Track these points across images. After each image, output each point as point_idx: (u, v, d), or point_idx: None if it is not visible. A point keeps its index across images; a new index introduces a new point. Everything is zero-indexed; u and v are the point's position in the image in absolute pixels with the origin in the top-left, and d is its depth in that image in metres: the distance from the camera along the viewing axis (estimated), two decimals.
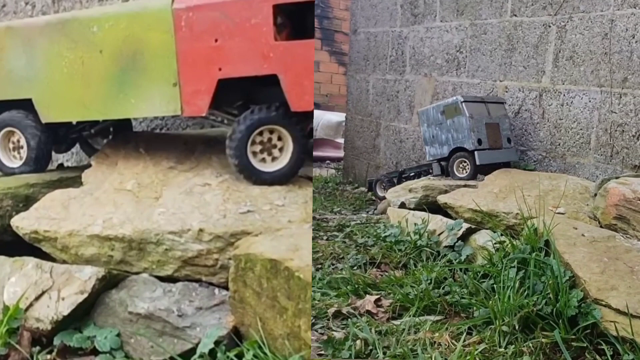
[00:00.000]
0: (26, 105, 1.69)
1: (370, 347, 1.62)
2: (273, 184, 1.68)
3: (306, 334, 1.31)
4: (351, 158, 4.98)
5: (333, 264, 2.41)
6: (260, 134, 1.64)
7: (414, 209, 2.84)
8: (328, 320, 1.83)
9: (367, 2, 4.57)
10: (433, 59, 3.96)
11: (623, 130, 2.84)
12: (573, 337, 1.66)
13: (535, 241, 2.03)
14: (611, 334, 1.63)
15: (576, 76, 3.02)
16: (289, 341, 1.32)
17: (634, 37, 2.76)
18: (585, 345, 1.65)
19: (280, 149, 1.63)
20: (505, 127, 3.23)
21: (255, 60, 1.45)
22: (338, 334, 1.68)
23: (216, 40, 1.50)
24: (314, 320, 1.80)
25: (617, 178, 2.52)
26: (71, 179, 1.95)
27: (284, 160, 1.65)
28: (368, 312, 1.89)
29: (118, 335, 1.54)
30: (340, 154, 5.36)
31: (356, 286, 2.09)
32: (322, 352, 1.58)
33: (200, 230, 1.60)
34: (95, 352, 1.54)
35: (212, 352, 1.39)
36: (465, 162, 3.16)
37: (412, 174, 3.61)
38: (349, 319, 1.82)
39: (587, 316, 1.68)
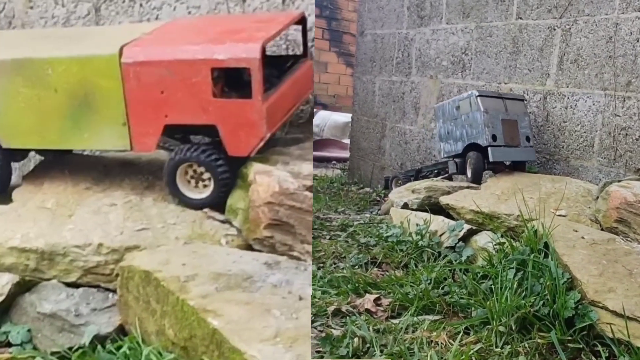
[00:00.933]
0: None
1: (368, 345, 1.64)
2: (202, 208, 1.94)
3: (168, 331, 1.56)
4: (357, 159, 5.00)
5: (335, 263, 2.43)
6: (191, 166, 1.88)
7: (416, 210, 2.86)
8: (327, 318, 1.85)
9: (374, 4, 4.59)
10: (439, 60, 3.97)
11: (627, 134, 2.85)
12: (569, 338, 1.67)
13: (535, 243, 2.05)
14: (607, 336, 1.64)
15: (580, 79, 3.03)
16: (157, 336, 1.62)
17: (638, 41, 2.76)
18: (581, 346, 1.66)
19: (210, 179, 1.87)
20: (524, 124, 3.12)
21: (196, 112, 1.69)
22: (336, 332, 1.71)
23: (162, 92, 1.71)
24: (313, 318, 1.83)
25: (619, 181, 2.53)
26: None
27: (208, 191, 1.89)
28: (367, 310, 1.92)
29: (29, 331, 1.85)
30: (347, 154, 5.39)
31: (356, 285, 2.11)
32: (320, 349, 1.61)
33: (100, 244, 1.91)
34: (10, 344, 1.85)
35: (103, 345, 1.74)
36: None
37: (429, 172, 3.53)
38: (348, 317, 1.84)
39: (584, 318, 1.69)
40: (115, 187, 2.14)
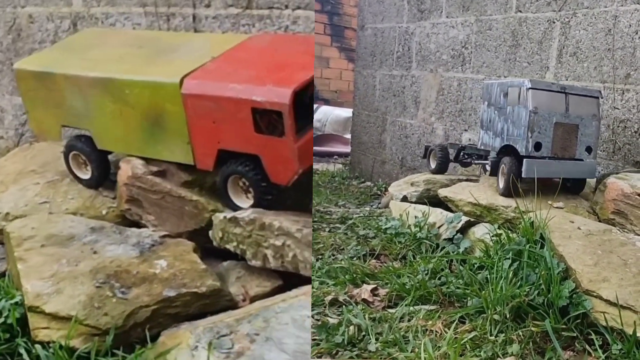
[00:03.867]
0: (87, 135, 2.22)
1: (364, 333, 1.66)
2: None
3: (13, 273, 1.89)
4: (358, 153, 5.02)
5: (333, 255, 2.45)
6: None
7: (415, 203, 2.88)
8: (324, 307, 1.87)
9: None
10: (439, 54, 3.98)
11: (625, 127, 2.85)
12: (563, 326, 1.69)
13: (531, 234, 2.06)
14: (601, 324, 1.66)
15: (579, 72, 3.03)
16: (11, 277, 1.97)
17: (637, 33, 2.77)
18: (575, 334, 1.68)
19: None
20: (588, 131, 2.45)
21: (242, 142, 1.88)
22: (333, 321, 1.73)
23: (214, 122, 1.89)
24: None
25: (617, 174, 2.54)
26: None
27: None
28: (364, 300, 1.94)
29: None
30: (348, 149, 5.40)
31: (354, 275, 2.13)
32: (316, 337, 1.63)
33: (7, 213, 2.21)
34: None
35: None
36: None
37: (469, 156, 3.03)
38: (345, 307, 1.86)
39: (578, 306, 1.71)
40: (53, 172, 2.44)
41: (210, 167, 1.99)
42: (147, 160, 2.12)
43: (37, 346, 1.49)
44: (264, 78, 1.85)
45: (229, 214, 1.88)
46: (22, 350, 1.49)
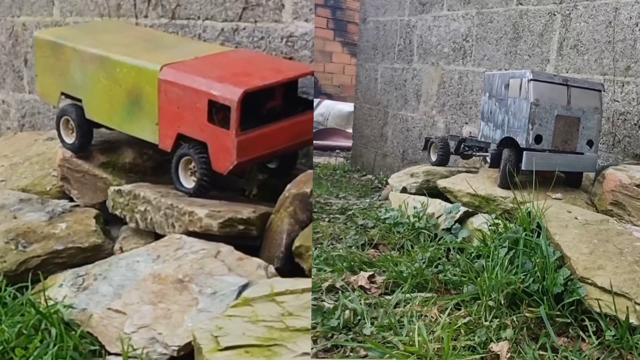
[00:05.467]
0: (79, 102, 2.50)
1: (359, 318, 1.68)
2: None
3: None
4: (359, 146, 5.03)
5: (332, 244, 2.47)
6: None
7: (415, 194, 2.89)
8: (321, 293, 1.89)
9: None
10: (440, 47, 3.99)
11: (625, 119, 2.86)
12: (558, 313, 1.70)
13: (528, 223, 2.07)
14: (595, 311, 1.67)
15: (580, 64, 3.04)
16: None
17: (637, 26, 2.77)
18: (569, 321, 1.69)
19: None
20: (590, 124, 2.44)
21: (196, 129, 2.14)
22: (328, 304, 1.74)
23: (178, 107, 2.16)
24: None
25: (615, 165, 2.54)
26: None
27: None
28: (361, 287, 1.95)
29: None
30: (350, 143, 5.42)
31: (352, 263, 2.14)
32: (312, 321, 1.64)
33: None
34: None
35: None
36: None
37: (470, 148, 3.03)
38: (341, 292, 1.88)
39: (573, 293, 1.72)
40: (20, 157, 2.79)
41: (168, 149, 2.24)
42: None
43: None
44: (226, 78, 2.16)
45: (117, 187, 2.29)
46: None
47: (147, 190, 2.21)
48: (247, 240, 2.02)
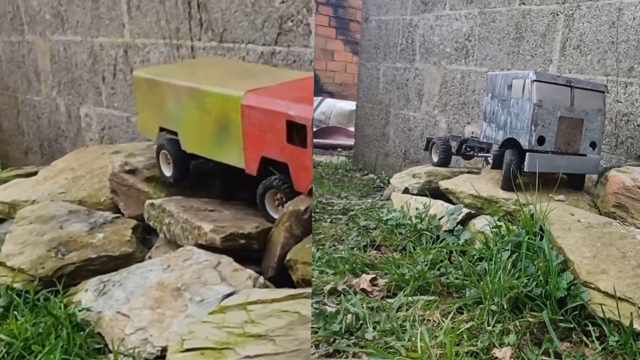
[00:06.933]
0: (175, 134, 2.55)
1: (361, 322, 1.67)
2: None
3: None
4: (361, 145, 5.02)
5: (334, 245, 2.46)
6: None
7: (417, 195, 2.88)
8: (323, 296, 1.88)
9: None
10: (442, 47, 3.97)
11: (628, 120, 2.84)
12: (561, 318, 1.69)
13: (531, 225, 2.06)
14: (598, 316, 1.67)
15: (583, 65, 3.02)
16: None
17: None
18: (572, 326, 1.69)
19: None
20: (593, 126, 2.43)
21: (277, 151, 2.15)
22: (331, 309, 1.74)
23: (260, 131, 2.17)
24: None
25: (619, 167, 2.53)
26: None
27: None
28: (363, 290, 1.95)
29: None
30: (352, 142, 5.40)
31: (354, 265, 2.14)
32: (314, 325, 1.64)
33: (34, 200, 2.73)
34: None
35: None
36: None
37: (472, 149, 3.04)
38: (343, 296, 1.87)
39: (576, 298, 1.72)
40: (83, 170, 2.92)
41: (254, 172, 2.25)
42: (128, 160, 2.65)
43: None
44: (302, 99, 2.19)
45: (151, 201, 2.37)
46: None
47: (173, 204, 2.32)
48: (251, 252, 2.12)
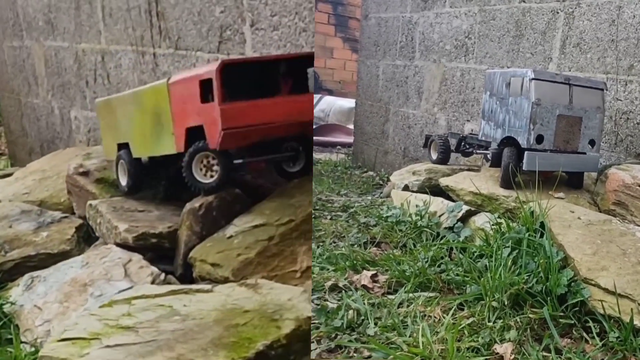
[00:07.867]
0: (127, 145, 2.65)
1: (363, 318, 1.68)
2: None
3: None
4: (360, 143, 5.02)
5: (334, 242, 2.47)
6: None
7: (417, 192, 2.88)
8: (324, 292, 1.89)
9: None
10: (442, 44, 3.97)
11: (628, 118, 2.85)
12: (561, 314, 1.70)
13: (531, 223, 2.07)
14: (598, 312, 1.67)
15: (582, 63, 3.03)
16: None
17: None
18: (572, 322, 1.69)
19: None
20: (592, 124, 2.42)
21: (195, 116, 2.17)
22: (332, 305, 1.74)
23: (184, 103, 2.22)
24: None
25: (618, 165, 2.54)
26: None
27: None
28: (364, 286, 1.95)
29: None
30: (351, 139, 5.41)
31: (354, 262, 2.14)
32: (316, 321, 1.64)
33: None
34: None
35: None
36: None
37: (471, 146, 3.01)
38: (344, 292, 1.88)
39: (576, 294, 1.73)
40: (53, 171, 3.02)
41: (181, 149, 2.25)
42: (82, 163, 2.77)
43: None
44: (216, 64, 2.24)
45: (90, 202, 2.48)
46: None
47: (105, 205, 2.44)
48: (166, 250, 2.22)
